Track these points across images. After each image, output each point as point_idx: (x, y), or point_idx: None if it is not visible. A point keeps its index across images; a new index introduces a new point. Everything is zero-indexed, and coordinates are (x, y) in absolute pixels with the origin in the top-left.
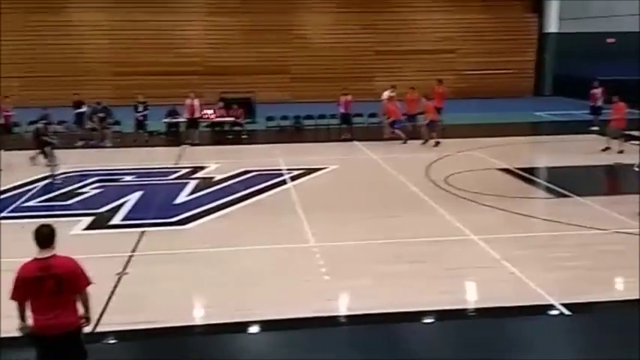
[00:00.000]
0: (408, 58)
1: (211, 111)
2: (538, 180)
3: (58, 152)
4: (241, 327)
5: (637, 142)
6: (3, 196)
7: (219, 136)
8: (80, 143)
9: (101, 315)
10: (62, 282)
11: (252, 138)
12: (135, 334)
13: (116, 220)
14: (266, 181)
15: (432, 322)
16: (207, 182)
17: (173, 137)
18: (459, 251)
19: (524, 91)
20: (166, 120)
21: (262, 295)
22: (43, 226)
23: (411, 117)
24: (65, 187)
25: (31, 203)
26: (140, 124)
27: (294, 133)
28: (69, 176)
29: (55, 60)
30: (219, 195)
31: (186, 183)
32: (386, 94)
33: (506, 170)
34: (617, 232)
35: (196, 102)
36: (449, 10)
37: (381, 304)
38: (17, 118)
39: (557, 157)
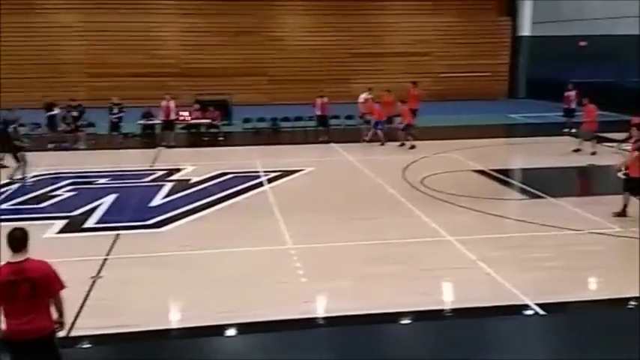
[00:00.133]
0: (384, 60)
1: (187, 113)
2: (513, 181)
3: (29, 155)
4: (218, 330)
5: (611, 145)
6: None
7: (196, 138)
8: (52, 146)
9: (75, 319)
10: (37, 286)
11: (229, 140)
12: (110, 339)
13: (90, 223)
14: (243, 183)
15: (409, 323)
16: (183, 184)
17: (148, 139)
18: (435, 252)
19: (498, 93)
20: (141, 122)
21: (239, 297)
22: (15, 229)
23: (387, 119)
24: (38, 190)
25: (2, 206)
26: (115, 126)
27: (271, 135)
28: (41, 179)
29: (29, 61)
30: (195, 197)
31: (162, 185)
32: (362, 97)
33: (482, 172)
34: (590, 232)
35: (172, 104)
36: (424, 14)
37: (359, 305)
38: None
39: (531, 159)
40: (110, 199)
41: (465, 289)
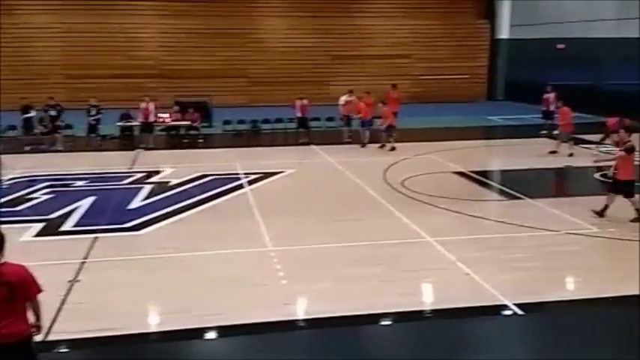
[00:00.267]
0: (364, 62)
1: (166, 115)
2: (492, 183)
3: (5, 157)
4: (198, 333)
5: (588, 146)
6: None
7: (175, 140)
8: (28, 148)
9: (52, 323)
10: (14, 290)
11: (209, 142)
12: (88, 343)
13: (67, 226)
14: (223, 185)
15: (389, 325)
16: (162, 187)
17: (127, 141)
18: (415, 253)
19: (477, 95)
20: (120, 123)
21: (219, 300)
22: None
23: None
24: (14, 192)
25: None
26: (92, 128)
27: (251, 137)
28: (18, 182)
29: (5, 63)
30: (174, 200)
31: (141, 188)
32: (343, 99)
33: (461, 173)
34: (568, 233)
35: (151, 105)
36: (404, 16)
37: (339, 307)
38: None
39: (509, 160)
40: (88, 201)
41: (445, 289)
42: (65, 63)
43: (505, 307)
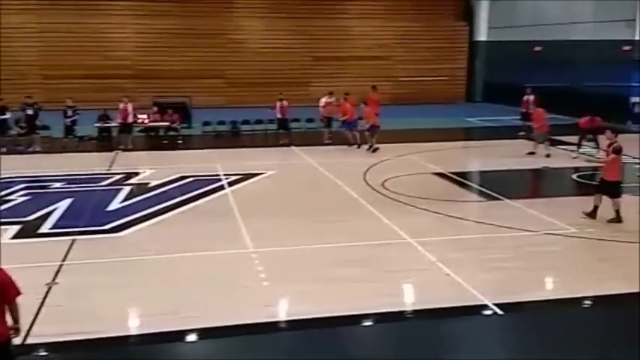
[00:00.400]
0: (344, 64)
1: (145, 115)
2: (471, 184)
3: None
4: (179, 335)
5: (565, 147)
6: None
7: (154, 141)
8: (4, 150)
9: (31, 326)
10: None
11: (188, 143)
12: (66, 346)
13: (45, 228)
14: (203, 186)
15: (371, 325)
16: (141, 188)
17: (105, 142)
18: (396, 254)
19: (456, 97)
20: (98, 124)
21: (200, 302)
22: None
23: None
24: None
25: None
26: (69, 129)
27: (231, 138)
28: None
29: None
30: (154, 201)
31: (120, 189)
32: (323, 101)
33: (441, 174)
34: (546, 233)
35: (129, 106)
36: (383, 18)
37: (321, 308)
38: None
39: (488, 162)
40: (66, 203)
41: (426, 290)
42: (42, 63)
43: (485, 307)
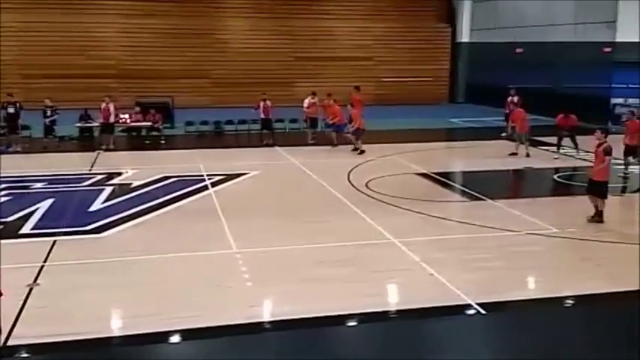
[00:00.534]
0: (328, 64)
1: (127, 115)
2: (454, 184)
3: None
4: (163, 336)
5: (547, 148)
6: None
7: (136, 141)
8: None
9: (12, 328)
10: None
11: (171, 143)
12: (49, 347)
13: (26, 229)
14: (186, 187)
15: (355, 325)
16: (124, 189)
17: (86, 142)
18: (380, 254)
19: (439, 98)
20: (79, 124)
21: (184, 303)
22: None
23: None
24: None
25: None
26: (48, 129)
27: (215, 138)
28: None
29: None
30: (137, 202)
31: (102, 190)
32: (307, 102)
33: (424, 175)
34: (529, 233)
35: (111, 106)
36: (366, 19)
37: (305, 309)
38: None
39: (471, 162)
40: (47, 204)
41: (410, 290)
42: (22, 62)
43: (468, 306)
